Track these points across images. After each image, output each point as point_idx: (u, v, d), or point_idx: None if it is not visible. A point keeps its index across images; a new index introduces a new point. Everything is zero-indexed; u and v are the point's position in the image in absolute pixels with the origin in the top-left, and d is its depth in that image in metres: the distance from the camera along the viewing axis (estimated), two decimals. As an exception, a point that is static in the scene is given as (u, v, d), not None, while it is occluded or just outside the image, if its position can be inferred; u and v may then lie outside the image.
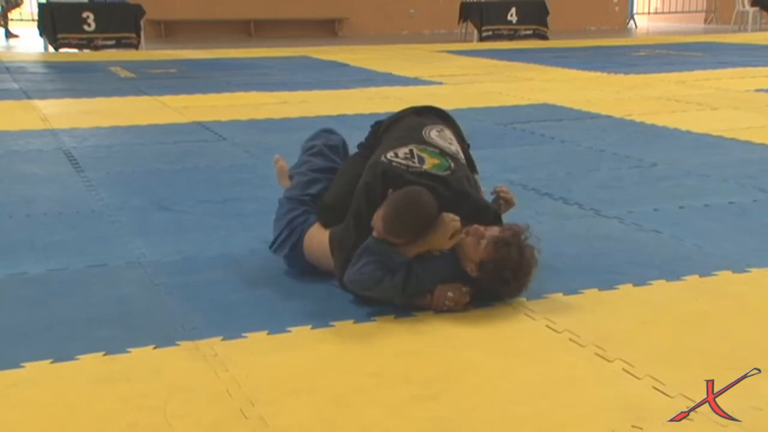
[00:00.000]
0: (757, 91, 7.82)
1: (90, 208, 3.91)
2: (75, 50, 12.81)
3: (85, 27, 12.74)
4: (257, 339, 2.46)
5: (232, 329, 2.50)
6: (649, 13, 21.58)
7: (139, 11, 13.02)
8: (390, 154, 2.83)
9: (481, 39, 14.63)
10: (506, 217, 2.91)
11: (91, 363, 2.30)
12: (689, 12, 20.70)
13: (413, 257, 2.64)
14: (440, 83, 8.69)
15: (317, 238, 2.87)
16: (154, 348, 2.39)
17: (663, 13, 21.35)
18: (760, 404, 2.04)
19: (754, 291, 2.86)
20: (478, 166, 3.12)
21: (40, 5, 13.04)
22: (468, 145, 3.12)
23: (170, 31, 15.94)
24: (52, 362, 2.30)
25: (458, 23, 15.30)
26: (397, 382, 2.19)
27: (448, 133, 3.00)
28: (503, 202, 3.00)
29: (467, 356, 2.36)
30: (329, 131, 3.42)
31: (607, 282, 2.89)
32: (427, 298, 2.63)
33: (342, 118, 6.24)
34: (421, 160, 2.80)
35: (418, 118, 3.06)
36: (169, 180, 4.49)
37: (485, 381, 2.21)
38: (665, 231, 3.50)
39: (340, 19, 16.95)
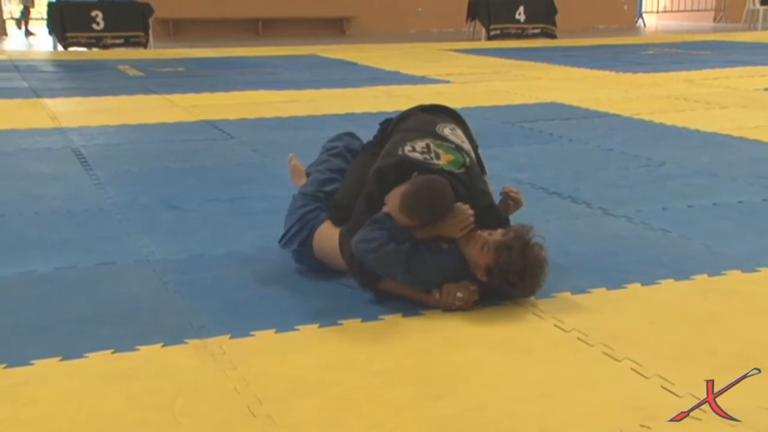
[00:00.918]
0: (767, 89, 7.79)
1: (98, 206, 3.92)
2: (84, 49, 12.86)
3: (94, 26, 12.79)
4: (265, 337, 2.46)
5: (240, 327, 2.50)
6: (657, 11, 21.52)
7: (147, 10, 13.06)
8: (407, 148, 2.82)
9: (489, 38, 14.62)
10: (515, 217, 2.90)
11: (99, 361, 2.31)
12: (698, 10, 20.65)
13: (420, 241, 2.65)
14: (448, 82, 8.68)
15: (327, 235, 2.88)
16: (163, 346, 2.39)
17: (672, 11, 21.29)
18: (766, 404, 2.03)
19: (764, 290, 2.85)
20: (486, 166, 3.12)
21: (49, 4, 13.09)
22: (477, 145, 3.12)
23: (178, 29, 15.97)
24: (61, 360, 2.30)
25: (466, 22, 15.29)
26: (404, 381, 2.19)
27: (459, 132, 3.00)
28: (512, 202, 2.99)
29: (474, 355, 2.36)
30: (352, 135, 3.41)
31: (615, 281, 2.89)
32: (435, 296, 2.63)
33: (350, 117, 6.24)
34: (437, 156, 2.80)
35: (429, 116, 3.06)
36: (178, 178, 4.50)
37: (492, 380, 2.21)
38: (674, 230, 3.49)
39: (348, 17, 16.95)
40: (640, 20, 19.79)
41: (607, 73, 9.38)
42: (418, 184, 2.65)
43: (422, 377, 2.21)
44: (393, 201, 2.65)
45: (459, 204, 2.67)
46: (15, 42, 14.68)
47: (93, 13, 12.75)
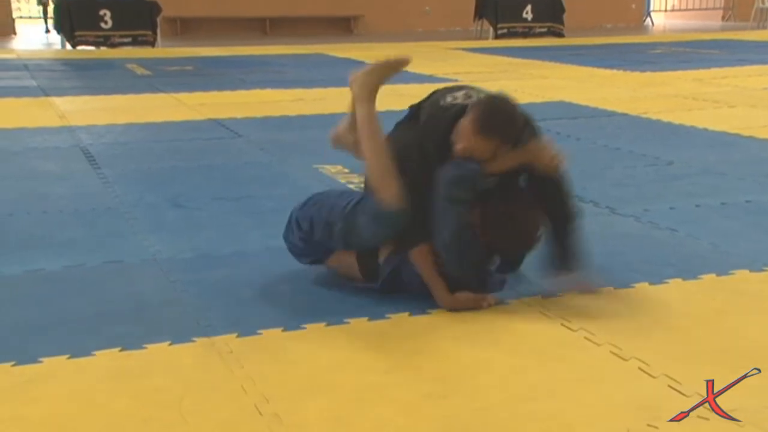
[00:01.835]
0: (775, 88, 7.77)
1: (106, 205, 3.93)
2: (92, 47, 12.88)
3: (102, 24, 12.82)
4: (272, 336, 2.46)
5: (247, 326, 2.51)
6: (666, 10, 21.44)
7: (155, 9, 13.08)
8: (449, 99, 2.68)
9: (497, 36, 14.59)
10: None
11: (107, 359, 2.31)
12: (707, 9, 20.57)
13: (497, 177, 2.52)
14: (455, 81, 8.67)
15: (346, 259, 2.79)
16: (170, 344, 2.40)
17: (680, 10, 21.21)
18: (776, 404, 2.03)
19: (771, 290, 2.84)
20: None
21: (57, 3, 13.11)
22: None
23: (186, 28, 15.99)
24: (69, 358, 2.31)
25: (473, 21, 15.27)
26: (411, 380, 2.19)
27: None
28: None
29: (481, 354, 2.35)
30: None
31: (622, 280, 2.88)
32: (450, 296, 2.61)
33: (357, 116, 6.23)
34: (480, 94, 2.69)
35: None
36: (185, 177, 4.50)
37: (499, 379, 2.21)
38: (681, 229, 3.48)
39: (356, 16, 16.95)
40: (648, 19, 19.73)
41: (614, 72, 9.36)
42: (490, 100, 2.51)
43: (429, 376, 2.21)
44: (464, 132, 2.47)
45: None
46: (24, 41, 14.72)
47: (101, 12, 12.78)
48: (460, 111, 2.61)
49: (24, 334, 2.49)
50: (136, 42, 13.02)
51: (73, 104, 7.16)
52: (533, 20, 14.93)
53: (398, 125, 2.89)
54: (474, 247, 2.57)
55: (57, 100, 7.29)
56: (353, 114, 2.83)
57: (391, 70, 2.88)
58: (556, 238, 2.69)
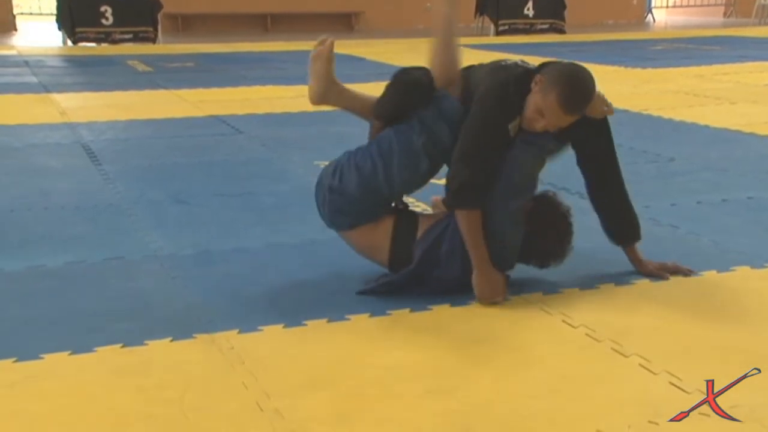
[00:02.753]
0: (777, 85, 7.76)
1: (107, 201, 3.93)
2: (93, 44, 12.87)
3: (103, 21, 12.81)
4: (273, 332, 2.47)
5: (248, 322, 2.51)
6: (667, 6, 21.41)
7: (156, 5, 13.07)
8: (501, 63, 2.76)
9: (498, 33, 14.57)
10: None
11: (108, 355, 2.32)
12: (708, 5, 20.54)
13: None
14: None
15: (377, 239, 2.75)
16: (171, 341, 2.40)
17: (681, 6, 21.19)
18: (777, 401, 2.03)
19: (773, 287, 2.84)
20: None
21: (58, -1, 13.12)
22: None
23: (187, 25, 15.98)
24: (70, 354, 2.31)
25: (474, 17, 15.24)
26: (413, 376, 2.19)
27: None
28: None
29: (483, 350, 2.36)
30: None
31: (623, 277, 2.88)
32: (496, 275, 2.64)
33: (358, 112, 6.23)
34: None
35: None
36: (186, 173, 4.51)
37: (500, 375, 2.21)
38: (682, 226, 3.48)
39: (356, 12, 16.93)
40: (650, 15, 19.69)
41: (616, 68, 9.36)
42: (569, 75, 2.61)
43: (431, 372, 2.22)
44: (551, 110, 2.56)
45: None
46: (25, 37, 14.71)
47: (102, 9, 12.77)
48: (525, 74, 2.66)
49: (25, 330, 2.50)
50: (137, 38, 13.01)
51: (74, 101, 7.16)
52: (535, 17, 14.90)
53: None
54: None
55: (58, 97, 7.29)
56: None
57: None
58: (609, 203, 2.87)
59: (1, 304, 2.69)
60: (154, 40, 13.06)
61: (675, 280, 2.87)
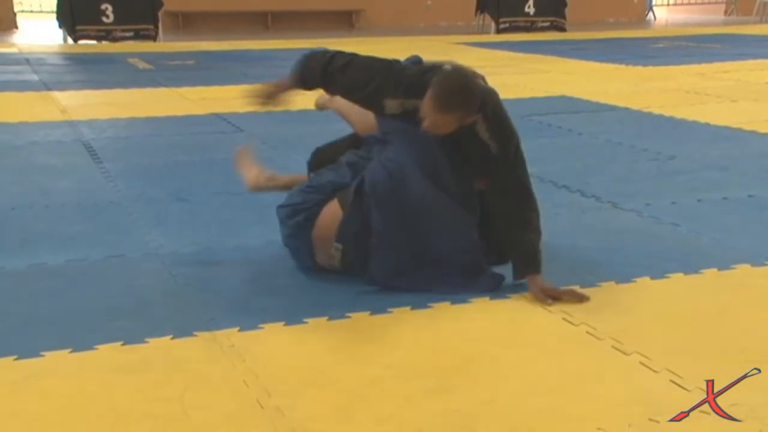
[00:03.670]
0: (778, 83, 7.75)
1: (108, 199, 3.93)
2: (93, 42, 12.87)
3: (104, 19, 12.80)
4: (274, 330, 2.47)
5: (248, 320, 2.51)
6: (668, 4, 21.40)
7: (156, 3, 13.05)
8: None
9: (499, 31, 14.56)
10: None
11: (109, 353, 2.32)
12: (709, 3, 20.53)
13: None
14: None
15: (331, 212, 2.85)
16: (172, 338, 2.40)
17: (682, 4, 21.18)
18: (778, 399, 2.03)
19: (773, 285, 2.84)
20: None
21: (59, -3, 13.11)
22: None
23: (188, 22, 15.98)
24: (70, 352, 2.32)
25: (475, 15, 15.23)
26: (414, 374, 2.19)
27: None
28: None
29: (483, 349, 2.36)
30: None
31: (624, 275, 2.88)
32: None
33: (359, 110, 6.23)
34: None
35: None
36: (187, 171, 4.51)
37: (501, 374, 2.21)
38: (683, 224, 3.48)
39: (357, 10, 16.92)
40: (651, 13, 19.69)
41: (617, 66, 9.35)
42: (443, 78, 2.74)
43: (432, 370, 2.22)
44: (426, 110, 2.69)
45: None
46: (26, 35, 14.71)
47: (102, 6, 12.76)
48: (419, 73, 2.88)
49: (26, 328, 2.50)
50: (137, 36, 13.00)
51: (75, 98, 7.16)
52: (535, 14, 14.89)
53: None
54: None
55: (58, 95, 7.29)
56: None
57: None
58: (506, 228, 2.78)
59: (1, 302, 2.69)
60: (154, 38, 13.06)
61: (676, 278, 2.87)
